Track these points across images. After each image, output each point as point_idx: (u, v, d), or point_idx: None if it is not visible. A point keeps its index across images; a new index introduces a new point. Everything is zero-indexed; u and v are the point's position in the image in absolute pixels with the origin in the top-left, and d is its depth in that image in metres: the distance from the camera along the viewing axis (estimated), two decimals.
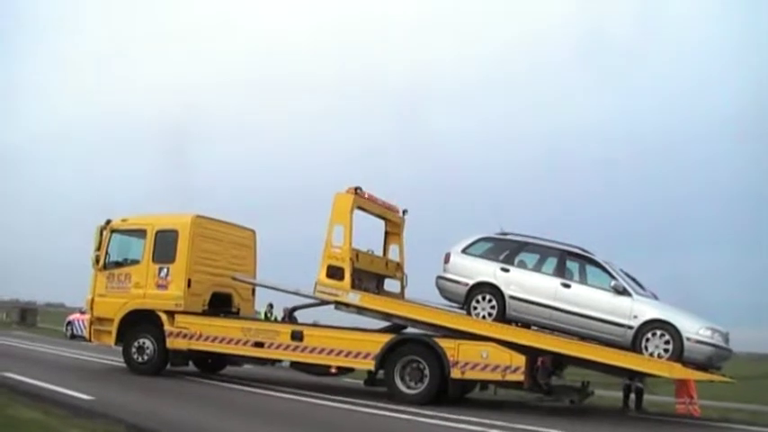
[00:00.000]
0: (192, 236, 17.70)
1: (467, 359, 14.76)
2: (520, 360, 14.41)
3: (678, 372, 14.03)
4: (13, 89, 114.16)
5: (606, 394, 19.17)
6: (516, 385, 14.96)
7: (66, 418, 10.59)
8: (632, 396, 17.39)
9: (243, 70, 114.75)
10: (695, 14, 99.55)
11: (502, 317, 15.18)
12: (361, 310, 16.19)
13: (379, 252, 18.13)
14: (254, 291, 19.22)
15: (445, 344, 14.94)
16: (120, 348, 18.13)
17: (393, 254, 18.32)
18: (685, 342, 13.88)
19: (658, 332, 14.05)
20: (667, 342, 13.96)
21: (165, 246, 17.82)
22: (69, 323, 38.31)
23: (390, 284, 18.20)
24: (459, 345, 14.85)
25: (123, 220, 18.72)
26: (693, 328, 14.02)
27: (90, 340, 19.16)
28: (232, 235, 18.87)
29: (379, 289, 17.71)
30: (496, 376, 14.70)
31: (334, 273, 15.87)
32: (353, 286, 16.00)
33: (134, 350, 17.71)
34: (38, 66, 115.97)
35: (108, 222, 18.62)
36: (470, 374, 14.86)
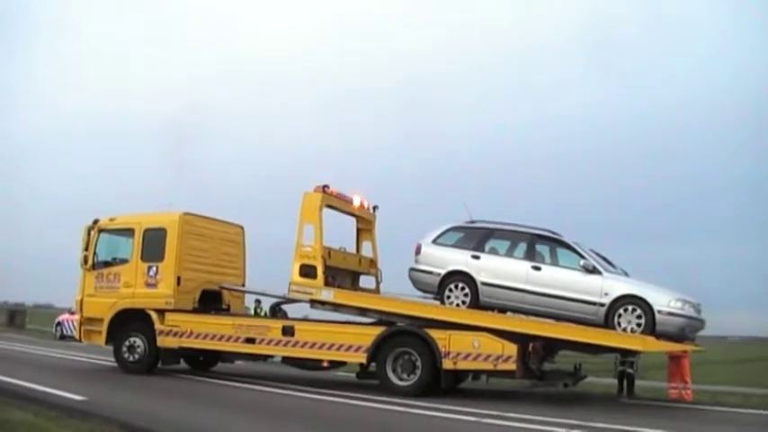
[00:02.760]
0: (181, 234, 17.67)
1: (458, 349, 14.78)
2: (512, 349, 14.45)
3: (651, 344, 14.14)
4: (9, 86, 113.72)
5: (597, 381, 19.23)
6: (508, 374, 15.00)
7: (58, 419, 10.54)
8: (624, 382, 17.46)
9: (242, 67, 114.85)
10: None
11: (475, 304, 15.32)
12: (336, 306, 16.31)
13: (353, 249, 18.20)
14: (243, 286, 19.18)
15: (436, 334, 14.96)
16: (111, 348, 18.10)
17: (367, 250, 18.40)
18: (657, 315, 14.05)
19: (630, 307, 14.22)
20: (639, 316, 14.13)
21: (153, 244, 17.78)
22: (59, 324, 38.16)
23: (367, 281, 18.29)
24: (451, 335, 14.87)
25: (111, 220, 18.66)
26: (664, 301, 14.18)
27: (80, 340, 19.10)
28: (221, 232, 18.84)
29: (354, 286, 17.82)
30: (488, 366, 14.72)
31: (308, 271, 15.99)
32: (327, 284, 16.10)
33: (125, 349, 17.68)
34: (33, 63, 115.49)
35: (95, 222, 18.56)
36: (462, 364, 14.89)
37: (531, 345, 14.94)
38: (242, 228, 19.39)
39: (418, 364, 15.13)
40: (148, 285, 17.65)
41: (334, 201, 16.94)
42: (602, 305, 14.37)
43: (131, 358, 17.64)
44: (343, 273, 17.33)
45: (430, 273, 15.79)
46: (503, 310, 15.44)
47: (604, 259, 15.22)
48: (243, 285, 19.20)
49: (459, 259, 15.59)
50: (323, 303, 16.24)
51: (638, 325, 14.10)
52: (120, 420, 10.57)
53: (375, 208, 18.36)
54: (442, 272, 15.62)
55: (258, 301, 23.06)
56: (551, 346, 15.68)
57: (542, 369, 15.57)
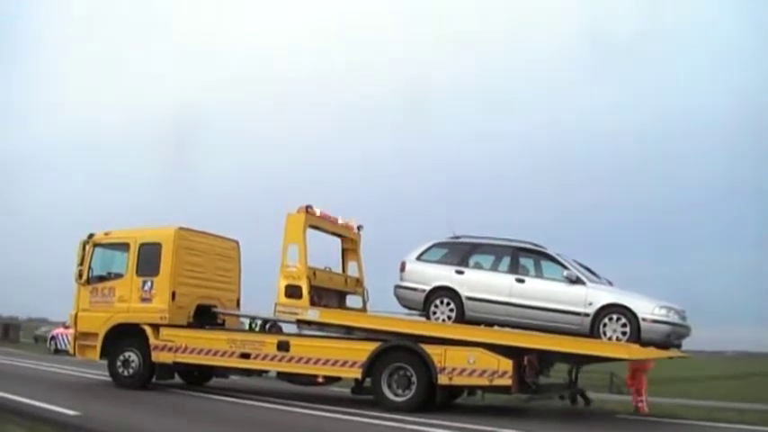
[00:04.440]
0: (176, 248, 17.65)
1: (454, 365, 14.77)
2: (507, 364, 14.43)
3: (636, 352, 14.18)
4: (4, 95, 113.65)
5: (592, 396, 19.21)
6: (504, 390, 14.98)
7: None
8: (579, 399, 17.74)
9: (241, 71, 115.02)
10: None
11: (461, 318, 15.36)
12: (322, 326, 16.39)
13: (338, 269, 18.29)
14: (238, 302, 19.19)
15: (432, 350, 14.95)
16: (105, 362, 18.05)
17: (352, 270, 18.48)
18: (641, 323, 14.07)
19: (614, 316, 14.24)
20: (624, 325, 14.14)
21: (148, 259, 17.75)
22: (53, 338, 38.19)
23: (354, 301, 18.34)
24: (446, 351, 14.86)
25: (106, 234, 18.64)
26: (648, 309, 14.20)
27: (75, 355, 19.05)
28: (216, 246, 18.83)
29: (341, 305, 17.87)
30: (484, 381, 14.71)
31: (293, 292, 16.03)
32: (313, 303, 16.13)
33: (119, 364, 17.62)
34: (27, 73, 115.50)
35: (90, 236, 18.53)
36: (458, 380, 14.87)
37: (525, 358, 14.94)
38: (237, 243, 19.37)
39: (413, 379, 15.09)
40: (143, 300, 17.61)
41: (317, 221, 17.05)
42: (587, 315, 14.41)
43: (126, 373, 17.57)
44: (329, 293, 17.39)
45: (415, 289, 15.85)
46: (489, 324, 15.45)
47: (588, 269, 15.31)
48: (238, 300, 19.17)
49: (444, 275, 15.64)
50: (309, 323, 16.32)
51: (624, 333, 14.12)
52: None
53: (360, 228, 18.45)
54: (427, 288, 15.66)
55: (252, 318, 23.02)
56: (546, 358, 15.70)
57: (538, 383, 15.58)
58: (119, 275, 18.13)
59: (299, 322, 16.36)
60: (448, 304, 15.43)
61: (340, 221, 17.87)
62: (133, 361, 17.51)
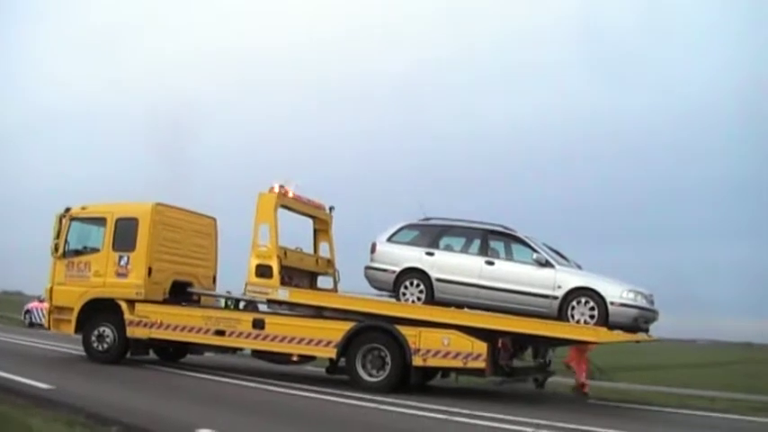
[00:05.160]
0: (153, 224, 17.59)
1: (428, 346, 14.83)
2: (481, 347, 14.51)
3: (604, 335, 14.27)
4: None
5: (565, 381, 19.35)
6: (478, 372, 15.06)
7: (26, 408, 10.48)
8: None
9: (237, 63, 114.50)
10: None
11: (431, 300, 15.46)
12: (292, 305, 16.44)
13: (310, 250, 18.37)
14: (214, 279, 19.18)
15: (407, 331, 14.99)
16: (80, 337, 18.00)
17: (324, 251, 18.55)
18: (609, 306, 14.19)
19: (583, 299, 14.37)
20: (592, 308, 14.27)
21: (125, 234, 17.68)
22: (28, 311, 37.92)
23: (325, 282, 18.43)
24: (421, 332, 14.91)
25: (83, 208, 18.53)
26: (616, 293, 14.33)
27: (49, 329, 18.98)
28: (193, 223, 18.79)
29: (312, 286, 17.96)
30: (458, 363, 14.79)
31: (263, 271, 16.10)
32: (284, 283, 16.22)
33: (94, 339, 17.58)
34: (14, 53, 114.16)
35: (67, 210, 18.42)
36: (432, 362, 14.95)
37: (500, 341, 15.02)
38: (215, 219, 19.32)
39: (388, 360, 15.15)
40: (119, 275, 17.56)
41: (289, 201, 17.10)
42: (556, 298, 14.54)
43: (100, 348, 17.53)
44: (300, 273, 17.48)
45: (385, 270, 15.94)
46: (459, 306, 15.52)
47: (558, 253, 15.41)
48: (214, 277, 19.17)
49: (414, 256, 15.74)
50: (279, 303, 16.40)
51: (591, 317, 14.25)
52: (88, 410, 10.51)
53: (331, 209, 18.51)
54: (397, 269, 15.76)
55: (228, 293, 22.98)
56: (520, 342, 15.79)
57: (512, 366, 15.67)
58: (95, 250, 18.05)
59: (270, 302, 16.46)
60: (417, 286, 15.54)
61: (313, 201, 17.97)
62: (108, 336, 17.47)
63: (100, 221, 18.17)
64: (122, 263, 17.56)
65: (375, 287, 16.30)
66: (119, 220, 17.86)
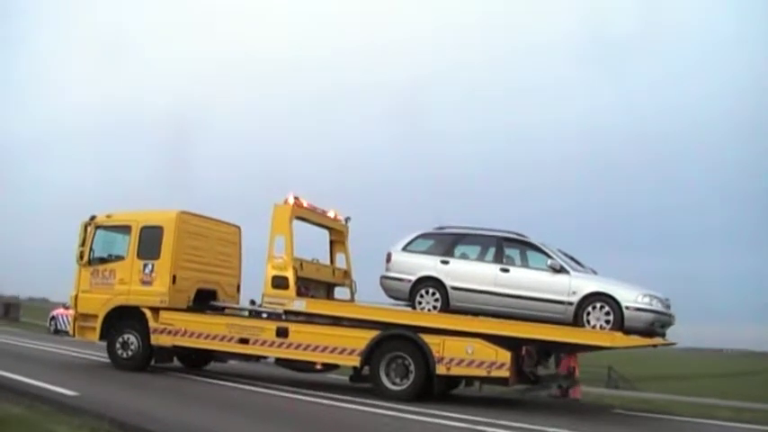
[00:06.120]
0: (177, 232, 17.66)
1: (452, 355, 14.78)
2: (505, 356, 14.45)
3: (619, 340, 14.19)
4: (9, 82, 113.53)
5: (589, 390, 19.25)
6: (502, 381, 15.00)
7: (50, 414, 10.53)
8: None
9: (244, 62, 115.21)
10: None
11: (446, 308, 15.44)
12: (309, 316, 16.44)
13: (326, 261, 18.39)
14: (238, 287, 19.22)
15: (430, 340, 14.95)
16: (104, 344, 18.09)
17: (341, 262, 18.57)
18: (625, 311, 14.12)
19: (598, 305, 14.30)
20: (608, 313, 14.20)
21: (149, 242, 17.76)
22: (53, 318, 38.11)
23: (342, 293, 18.44)
24: (445, 341, 14.86)
25: (108, 216, 18.64)
26: (631, 297, 14.24)
27: (74, 336, 19.08)
28: (217, 231, 18.83)
29: (329, 297, 17.98)
30: (482, 372, 14.72)
31: (279, 282, 16.15)
32: (300, 294, 16.24)
33: (118, 346, 17.65)
34: (29, 59, 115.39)
35: (92, 218, 18.53)
36: (456, 370, 14.89)
37: (524, 349, 14.96)
38: (239, 228, 19.37)
39: (411, 368, 15.11)
40: (144, 283, 17.63)
41: (304, 212, 17.16)
42: (571, 304, 14.48)
43: (124, 355, 17.61)
44: (317, 284, 17.51)
45: (401, 280, 15.94)
46: (474, 313, 15.47)
47: (572, 259, 15.35)
48: (238, 286, 19.21)
49: (429, 265, 15.74)
50: (296, 314, 16.40)
51: (607, 322, 14.19)
52: (112, 417, 10.55)
53: (347, 219, 18.55)
54: (413, 278, 15.77)
55: (253, 302, 23.03)
56: (545, 349, 15.72)
57: (536, 373, 15.61)
58: (120, 258, 18.13)
59: (287, 313, 16.45)
60: (433, 294, 15.53)
61: (329, 214, 18.03)
62: (132, 343, 17.54)
63: (125, 229, 18.25)
64: (147, 271, 17.63)
65: (391, 296, 16.29)
66: (144, 229, 17.94)
